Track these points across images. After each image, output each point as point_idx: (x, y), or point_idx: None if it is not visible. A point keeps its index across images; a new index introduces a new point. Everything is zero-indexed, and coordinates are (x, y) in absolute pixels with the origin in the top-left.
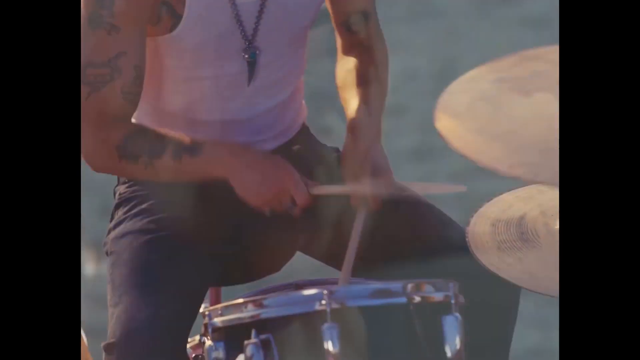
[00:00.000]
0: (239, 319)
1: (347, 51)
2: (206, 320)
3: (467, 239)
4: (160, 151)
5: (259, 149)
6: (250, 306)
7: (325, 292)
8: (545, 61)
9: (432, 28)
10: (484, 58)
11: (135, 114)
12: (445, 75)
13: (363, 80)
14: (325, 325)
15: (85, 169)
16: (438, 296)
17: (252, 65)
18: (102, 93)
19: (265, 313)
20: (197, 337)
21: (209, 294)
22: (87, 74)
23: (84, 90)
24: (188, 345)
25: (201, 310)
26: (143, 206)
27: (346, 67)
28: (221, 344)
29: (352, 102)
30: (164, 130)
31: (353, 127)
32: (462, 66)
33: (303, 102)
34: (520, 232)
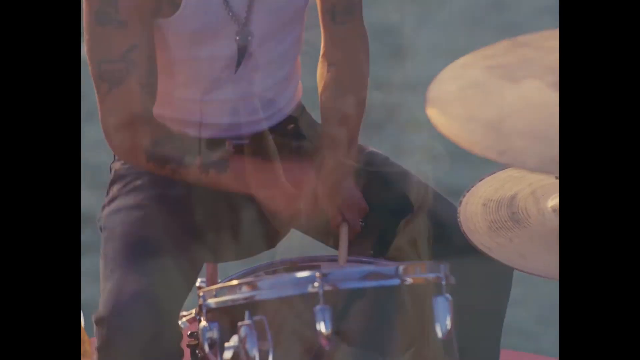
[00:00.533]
0: (233, 300)
1: (330, 48)
2: (200, 301)
3: (458, 219)
4: (188, 162)
5: (280, 167)
6: (244, 288)
7: (318, 274)
8: (535, 48)
9: None
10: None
11: None
12: None
13: (344, 102)
14: (318, 307)
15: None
16: (429, 277)
17: (242, 49)
18: (122, 88)
19: (259, 295)
20: (193, 311)
21: (205, 269)
22: (103, 70)
23: (102, 86)
24: (184, 319)
25: (197, 284)
26: (137, 183)
27: (328, 75)
28: (215, 325)
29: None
30: (190, 137)
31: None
32: None
33: (299, 81)
34: (512, 212)
